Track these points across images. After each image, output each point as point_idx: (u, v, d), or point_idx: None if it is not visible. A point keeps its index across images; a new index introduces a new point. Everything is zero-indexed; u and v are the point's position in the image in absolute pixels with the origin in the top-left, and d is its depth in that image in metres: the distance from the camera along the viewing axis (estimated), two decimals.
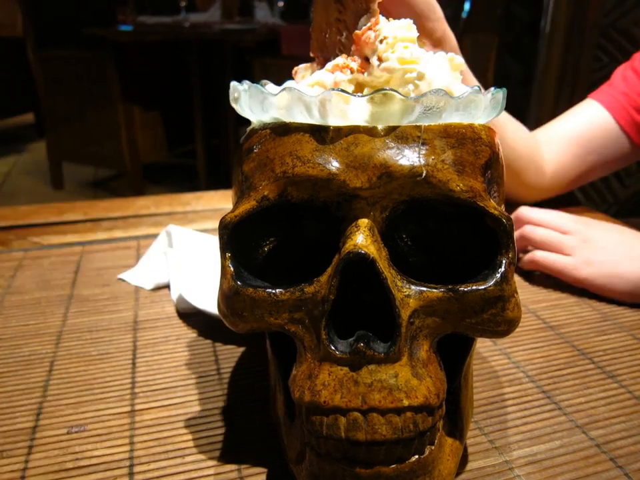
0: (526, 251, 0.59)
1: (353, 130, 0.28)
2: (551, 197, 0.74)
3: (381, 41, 0.29)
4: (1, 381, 0.40)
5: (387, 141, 0.27)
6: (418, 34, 0.30)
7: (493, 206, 0.28)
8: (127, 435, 0.35)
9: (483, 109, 0.29)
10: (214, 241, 0.58)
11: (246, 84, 0.30)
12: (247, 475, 0.32)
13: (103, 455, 0.34)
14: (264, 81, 0.32)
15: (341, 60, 0.30)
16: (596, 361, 0.43)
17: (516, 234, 0.61)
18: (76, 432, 0.35)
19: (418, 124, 0.28)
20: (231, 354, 0.44)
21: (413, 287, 0.28)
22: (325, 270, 0.28)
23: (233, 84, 0.31)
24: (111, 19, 2.62)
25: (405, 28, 0.30)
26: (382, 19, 0.31)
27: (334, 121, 0.28)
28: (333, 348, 0.27)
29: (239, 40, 2.33)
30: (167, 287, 0.54)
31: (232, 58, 2.38)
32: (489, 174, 0.30)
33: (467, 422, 0.32)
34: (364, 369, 0.26)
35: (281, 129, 0.29)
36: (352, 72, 0.30)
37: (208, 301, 0.48)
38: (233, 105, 0.32)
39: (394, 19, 0.31)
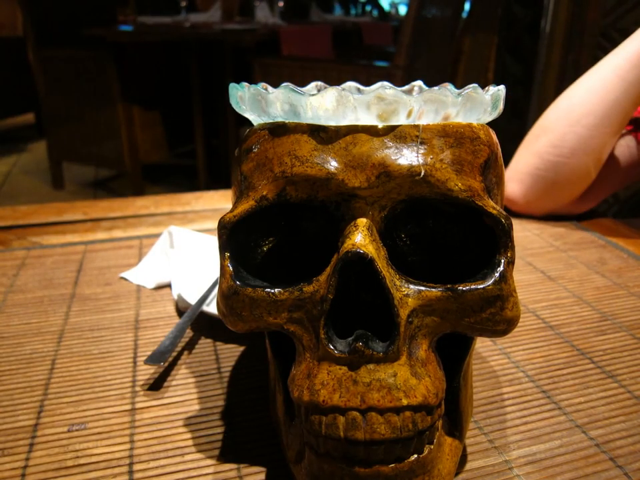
0: None
1: (352, 129, 0.28)
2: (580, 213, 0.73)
3: None
4: (3, 379, 0.41)
5: (386, 141, 0.27)
6: None
7: (492, 205, 0.28)
8: (127, 433, 0.35)
9: (485, 107, 0.29)
10: (215, 242, 0.59)
11: (246, 85, 0.30)
12: (246, 474, 0.32)
13: (103, 453, 0.34)
14: (263, 84, 0.32)
15: None
16: (596, 361, 0.43)
17: None
18: (76, 430, 0.36)
19: (416, 123, 0.28)
20: (231, 353, 0.44)
21: (411, 286, 0.28)
22: (324, 269, 0.28)
23: (233, 85, 0.31)
24: (110, 19, 2.62)
25: None
26: None
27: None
28: (331, 347, 0.27)
29: (239, 40, 2.33)
30: (169, 286, 0.54)
31: (232, 58, 2.38)
32: (488, 173, 0.30)
33: (467, 421, 0.32)
34: (363, 368, 0.26)
35: (280, 129, 0.29)
36: None
37: (208, 301, 0.48)
38: (235, 106, 0.32)
39: None
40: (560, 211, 0.72)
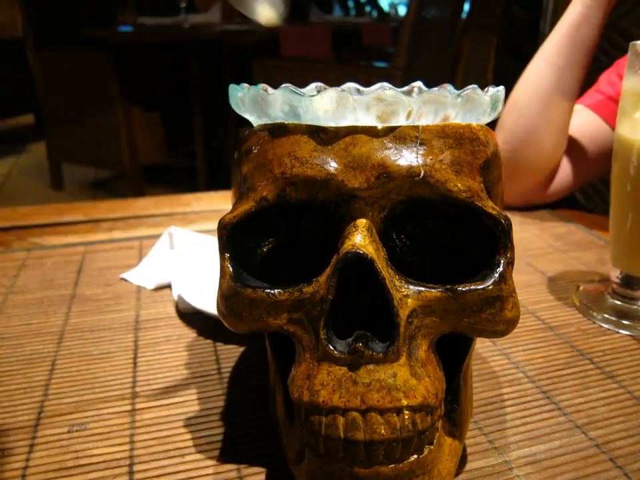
0: None
1: (351, 130, 0.28)
2: (552, 201, 0.75)
3: None
4: (3, 380, 0.41)
5: (385, 141, 0.27)
6: None
7: (491, 206, 0.28)
8: (127, 434, 0.35)
9: (484, 107, 0.29)
10: (215, 243, 0.59)
11: (245, 86, 0.31)
12: (246, 475, 0.32)
13: (103, 454, 0.34)
14: (263, 85, 0.32)
15: None
16: (595, 362, 0.43)
17: None
18: (77, 430, 0.36)
19: (416, 124, 0.28)
20: (231, 354, 0.44)
21: (411, 287, 0.28)
22: (324, 270, 0.28)
23: (232, 86, 0.31)
24: (110, 20, 2.62)
25: None
26: None
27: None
28: (331, 348, 0.27)
29: (239, 41, 2.33)
30: (169, 286, 0.54)
31: (231, 59, 2.38)
32: (487, 174, 0.30)
33: (467, 422, 0.32)
34: (362, 369, 0.26)
35: (280, 130, 0.29)
36: None
37: (208, 302, 0.48)
38: (235, 107, 0.32)
39: None
40: (530, 198, 0.73)
